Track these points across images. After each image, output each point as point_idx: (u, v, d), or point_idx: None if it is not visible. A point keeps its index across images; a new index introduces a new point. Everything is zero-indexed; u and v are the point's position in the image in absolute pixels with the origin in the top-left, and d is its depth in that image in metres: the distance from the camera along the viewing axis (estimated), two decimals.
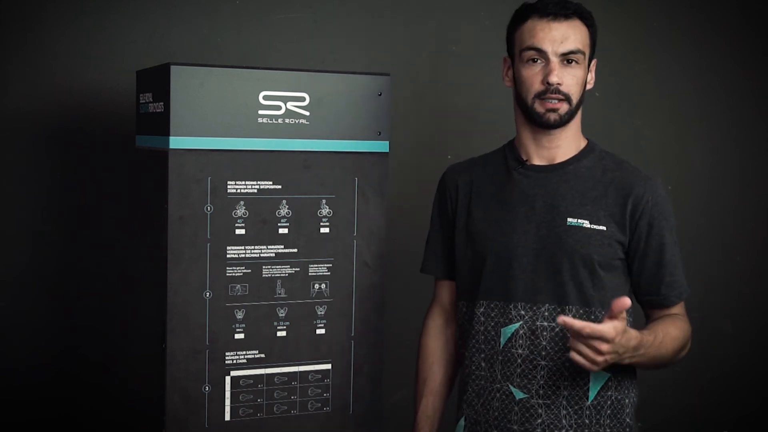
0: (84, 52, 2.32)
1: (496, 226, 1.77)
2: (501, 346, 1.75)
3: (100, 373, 2.36)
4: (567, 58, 1.70)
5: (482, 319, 1.77)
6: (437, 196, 1.92)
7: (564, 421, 1.72)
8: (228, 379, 1.79)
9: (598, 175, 1.76)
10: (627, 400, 1.76)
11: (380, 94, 1.86)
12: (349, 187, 1.85)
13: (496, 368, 1.76)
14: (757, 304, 3.18)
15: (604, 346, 1.51)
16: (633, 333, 1.57)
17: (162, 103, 1.74)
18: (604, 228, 1.71)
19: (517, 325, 1.73)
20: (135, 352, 2.08)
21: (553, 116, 1.72)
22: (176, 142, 1.70)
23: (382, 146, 1.88)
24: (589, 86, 1.79)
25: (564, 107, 1.71)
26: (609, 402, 1.74)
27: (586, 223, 1.71)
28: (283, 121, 1.78)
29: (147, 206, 1.88)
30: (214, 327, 1.76)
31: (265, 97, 1.76)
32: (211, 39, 2.43)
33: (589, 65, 1.77)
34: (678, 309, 1.76)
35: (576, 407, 1.72)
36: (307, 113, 1.80)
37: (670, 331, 1.69)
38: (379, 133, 1.87)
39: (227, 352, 1.78)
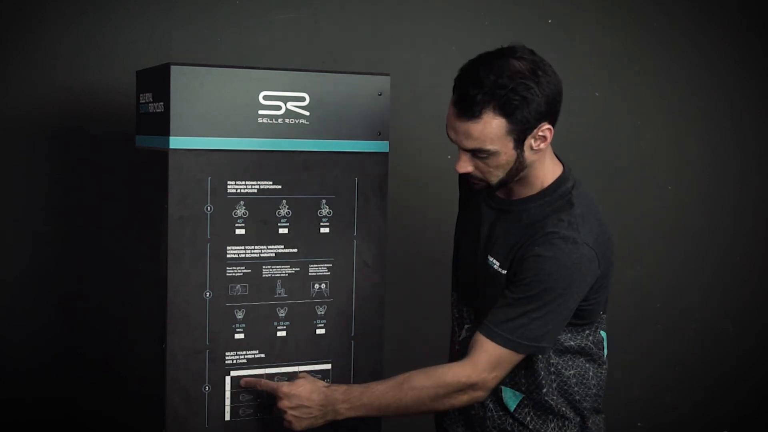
0: (84, 52, 2.32)
1: (465, 237, 1.88)
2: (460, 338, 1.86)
3: (100, 373, 2.36)
4: (474, 154, 1.64)
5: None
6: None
7: (488, 423, 1.79)
8: (228, 379, 1.79)
9: (529, 222, 1.70)
10: (550, 425, 1.77)
11: (380, 94, 1.86)
12: (349, 187, 1.85)
13: (453, 358, 1.84)
14: (757, 304, 3.19)
15: (280, 403, 1.71)
16: (320, 395, 1.69)
17: (162, 103, 1.74)
18: (506, 272, 1.71)
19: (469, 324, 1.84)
20: (135, 352, 2.08)
21: (478, 185, 1.73)
22: (176, 142, 1.70)
23: (382, 146, 1.88)
24: (536, 149, 1.64)
25: (484, 183, 1.69)
26: (529, 418, 1.77)
27: (497, 265, 1.73)
28: (283, 121, 1.78)
29: (147, 206, 1.88)
30: (214, 327, 1.76)
31: (265, 97, 1.76)
32: (211, 39, 2.43)
33: (522, 143, 1.62)
34: (479, 345, 1.65)
35: (500, 413, 1.78)
36: (307, 113, 1.80)
37: (413, 382, 1.65)
38: (379, 133, 1.87)
39: (227, 352, 1.78)
